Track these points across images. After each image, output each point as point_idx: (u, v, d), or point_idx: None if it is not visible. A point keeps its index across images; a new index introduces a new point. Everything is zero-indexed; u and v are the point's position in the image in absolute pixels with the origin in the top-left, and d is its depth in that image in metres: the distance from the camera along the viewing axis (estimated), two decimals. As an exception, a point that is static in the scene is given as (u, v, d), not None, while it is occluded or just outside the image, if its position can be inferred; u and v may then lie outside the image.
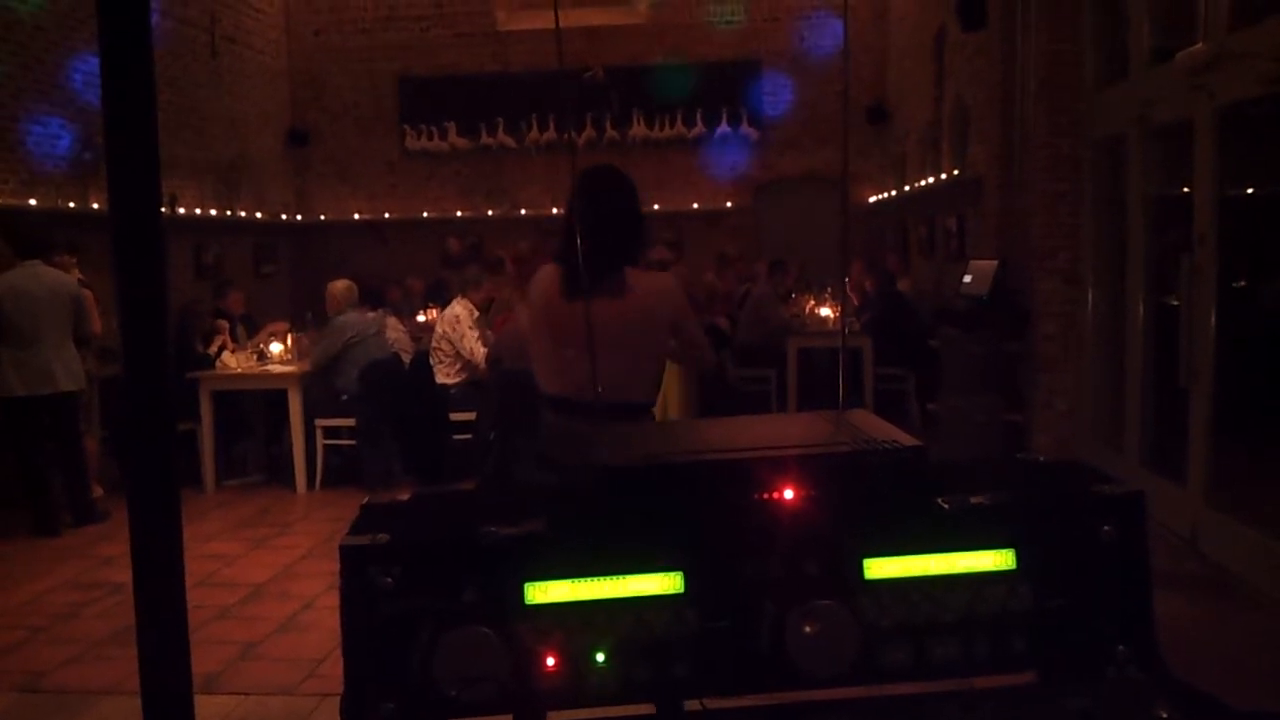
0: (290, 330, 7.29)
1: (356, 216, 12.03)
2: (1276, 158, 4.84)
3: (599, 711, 0.91)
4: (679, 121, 11.54)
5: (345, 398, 6.62)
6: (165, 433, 0.74)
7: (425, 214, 11.92)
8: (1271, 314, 5.03)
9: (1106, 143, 5.91)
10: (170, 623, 0.73)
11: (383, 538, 0.90)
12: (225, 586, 4.79)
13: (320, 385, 6.72)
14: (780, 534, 0.92)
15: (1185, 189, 4.85)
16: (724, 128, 11.54)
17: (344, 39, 11.89)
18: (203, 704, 1.92)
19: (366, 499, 1.02)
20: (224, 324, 7.49)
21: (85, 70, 7.67)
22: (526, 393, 3.22)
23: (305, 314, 7.92)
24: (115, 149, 0.70)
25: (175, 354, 6.43)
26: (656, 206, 11.66)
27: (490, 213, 11.82)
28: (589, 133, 11.36)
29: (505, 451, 4.96)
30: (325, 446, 6.75)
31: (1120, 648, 0.93)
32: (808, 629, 0.89)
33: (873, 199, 11.28)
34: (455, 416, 6.59)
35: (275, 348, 7.02)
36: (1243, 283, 4.88)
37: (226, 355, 7.01)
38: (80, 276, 6.16)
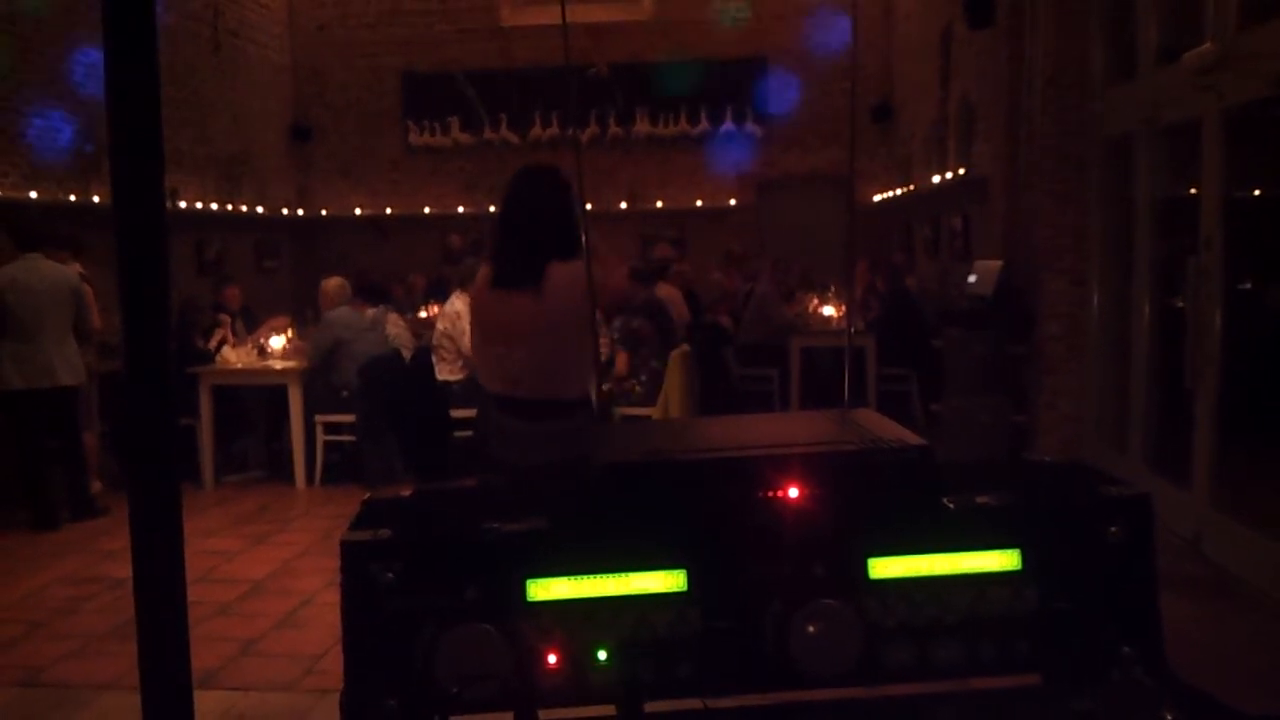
0: (290, 325, 7.29)
1: (359, 212, 12.01)
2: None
3: (596, 710, 0.91)
4: (683, 118, 11.53)
5: (345, 394, 6.62)
6: (166, 428, 0.73)
7: (428, 210, 11.91)
8: (1277, 317, 5.01)
9: (1113, 143, 5.89)
10: (170, 618, 0.73)
11: (384, 533, 0.89)
12: (225, 582, 4.79)
13: (320, 381, 6.72)
14: (785, 533, 0.91)
15: (1192, 190, 4.83)
16: (728, 125, 11.51)
17: (347, 34, 11.88)
18: (202, 699, 1.92)
19: (368, 494, 1.02)
20: (226, 318, 7.48)
21: (87, 63, 7.66)
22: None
23: (306, 310, 7.92)
24: (119, 143, 0.70)
25: (176, 349, 6.43)
26: (660, 204, 11.67)
27: (493, 209, 11.80)
28: (593, 129, 11.34)
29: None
30: (325, 442, 6.75)
31: (1126, 650, 0.92)
32: (811, 628, 0.88)
33: (877, 198, 11.25)
34: (457, 413, 6.58)
35: (276, 342, 7.01)
36: (1249, 285, 4.86)
37: (227, 350, 6.99)
38: (81, 270, 6.15)
